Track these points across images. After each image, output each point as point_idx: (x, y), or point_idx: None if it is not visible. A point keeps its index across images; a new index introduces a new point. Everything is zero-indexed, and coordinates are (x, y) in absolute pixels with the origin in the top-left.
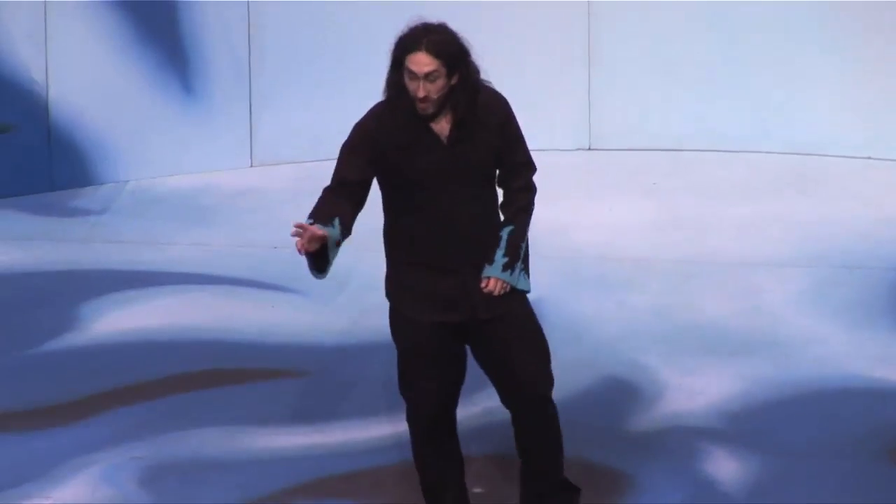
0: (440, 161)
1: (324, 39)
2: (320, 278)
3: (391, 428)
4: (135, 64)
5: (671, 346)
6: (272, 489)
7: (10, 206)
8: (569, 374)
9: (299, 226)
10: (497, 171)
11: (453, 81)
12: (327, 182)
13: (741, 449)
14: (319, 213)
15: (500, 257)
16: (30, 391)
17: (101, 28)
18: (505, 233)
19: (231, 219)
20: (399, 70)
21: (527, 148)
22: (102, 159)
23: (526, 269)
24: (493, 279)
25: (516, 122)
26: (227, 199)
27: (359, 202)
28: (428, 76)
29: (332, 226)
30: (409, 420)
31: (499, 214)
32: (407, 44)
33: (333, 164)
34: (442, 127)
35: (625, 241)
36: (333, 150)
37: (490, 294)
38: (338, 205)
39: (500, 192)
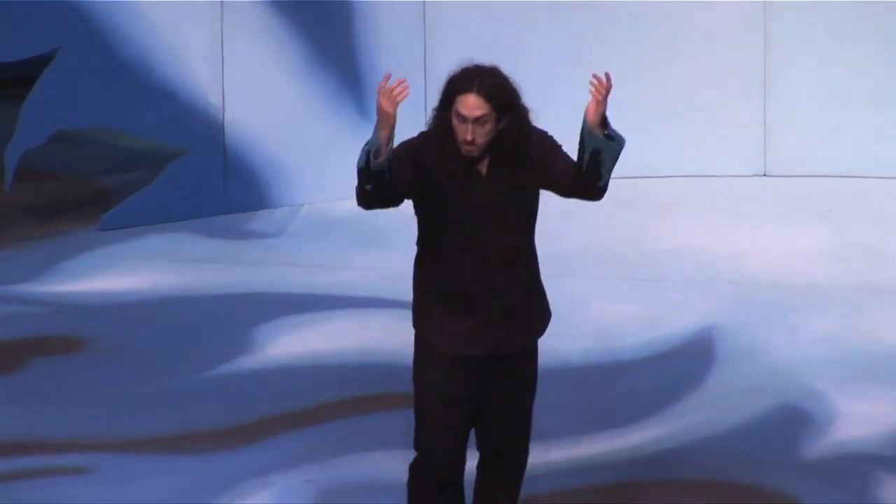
0: (476, 197)
1: (499, 62)
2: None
3: (562, 453)
4: (311, 87)
5: (844, 372)
6: None
7: (186, 228)
8: (741, 401)
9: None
10: (535, 215)
11: (501, 126)
12: None
13: None
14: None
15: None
16: (204, 414)
17: (277, 51)
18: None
19: (407, 241)
20: (447, 109)
21: None
22: (278, 182)
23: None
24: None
25: (558, 144)
26: (403, 222)
27: (399, 193)
28: (477, 120)
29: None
30: (418, 471)
31: (533, 257)
32: (458, 84)
33: None
34: (483, 165)
35: (800, 268)
36: None
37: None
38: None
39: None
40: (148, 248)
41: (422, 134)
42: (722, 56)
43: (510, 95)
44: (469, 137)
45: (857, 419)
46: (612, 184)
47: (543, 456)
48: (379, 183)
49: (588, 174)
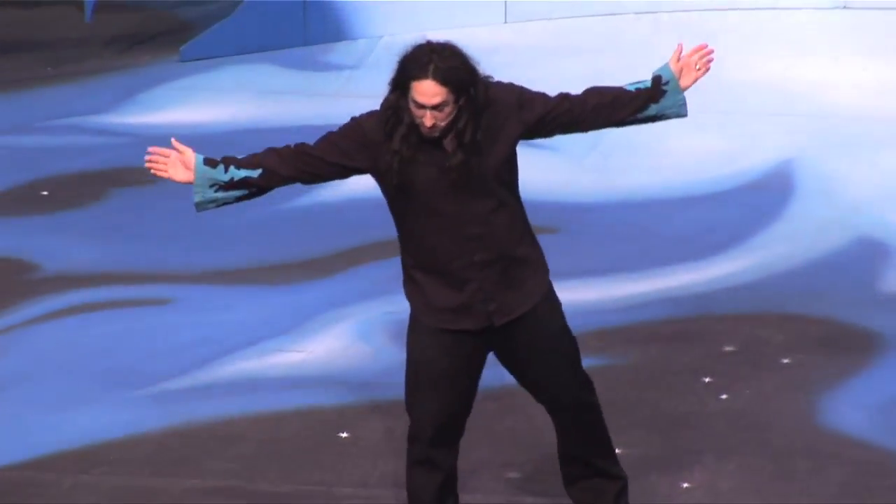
0: (446, 173)
1: None
2: (197, 210)
3: (642, 286)
4: None
5: None
6: None
7: (265, 59)
8: (820, 235)
9: (153, 150)
10: (516, 166)
11: (461, 103)
12: (581, 39)
13: None
14: (236, 159)
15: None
16: (283, 245)
17: None
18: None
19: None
20: (402, 92)
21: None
22: (356, 14)
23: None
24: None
25: (530, 90)
26: (481, 56)
27: (304, 174)
28: (436, 107)
29: (223, 169)
30: (409, 439)
31: (517, 217)
32: (411, 69)
33: (586, 21)
34: (448, 140)
35: (880, 101)
36: (588, 7)
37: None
38: (267, 158)
39: (584, 130)
40: (227, 79)
41: (371, 115)
42: None
43: (467, 75)
44: (429, 124)
45: None
46: (691, 16)
47: (622, 288)
48: (253, 184)
49: (618, 120)
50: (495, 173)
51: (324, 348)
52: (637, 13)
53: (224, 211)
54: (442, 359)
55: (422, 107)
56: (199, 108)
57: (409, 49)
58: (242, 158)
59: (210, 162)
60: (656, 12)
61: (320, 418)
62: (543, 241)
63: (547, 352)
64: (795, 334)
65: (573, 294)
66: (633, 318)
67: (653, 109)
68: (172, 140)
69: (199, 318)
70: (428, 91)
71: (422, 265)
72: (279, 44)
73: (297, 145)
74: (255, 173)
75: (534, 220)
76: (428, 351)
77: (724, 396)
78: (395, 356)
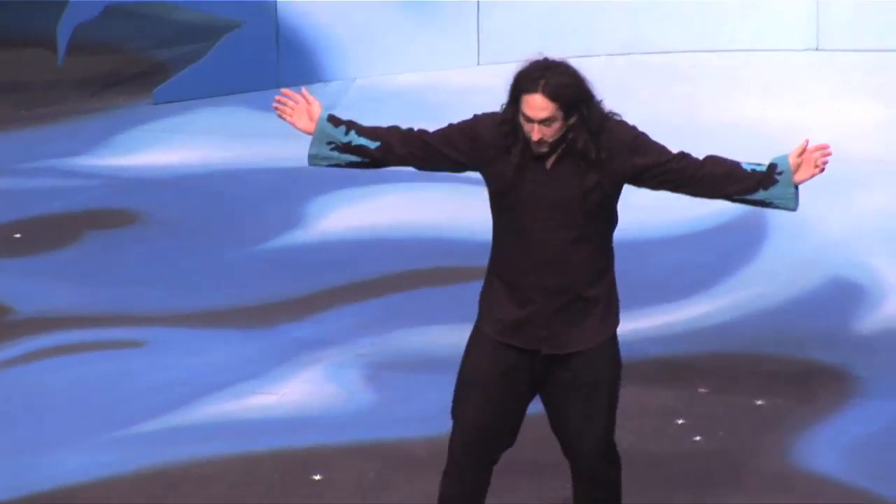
0: (538, 191)
1: None
2: (309, 162)
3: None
4: None
5: None
6: None
7: (239, 102)
8: (793, 275)
9: (284, 92)
10: (615, 211)
11: (571, 121)
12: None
13: None
14: (360, 125)
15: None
16: (257, 287)
17: None
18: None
19: (458, 117)
20: (515, 106)
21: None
22: (330, 56)
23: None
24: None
25: (650, 138)
26: (455, 98)
27: (416, 159)
28: (543, 121)
29: (344, 131)
30: (449, 447)
31: (602, 259)
32: (524, 83)
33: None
34: (551, 160)
35: (853, 142)
36: (559, 49)
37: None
38: (389, 134)
39: (691, 194)
40: (200, 121)
41: (491, 116)
42: None
43: (578, 93)
44: (535, 137)
45: None
46: (666, 57)
47: None
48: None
49: (725, 194)
50: (591, 203)
51: (297, 390)
52: (609, 55)
53: (198, 252)
54: (492, 369)
55: (530, 120)
56: (172, 151)
57: (525, 63)
58: (366, 127)
59: (333, 120)
60: (629, 54)
61: (294, 460)
62: None
63: (583, 398)
64: (769, 375)
65: None
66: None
67: (761, 195)
68: (303, 89)
69: (173, 360)
70: (536, 105)
71: (499, 273)
72: (252, 86)
73: (419, 130)
74: (373, 145)
75: None
76: (482, 357)
77: (697, 438)
78: (368, 398)
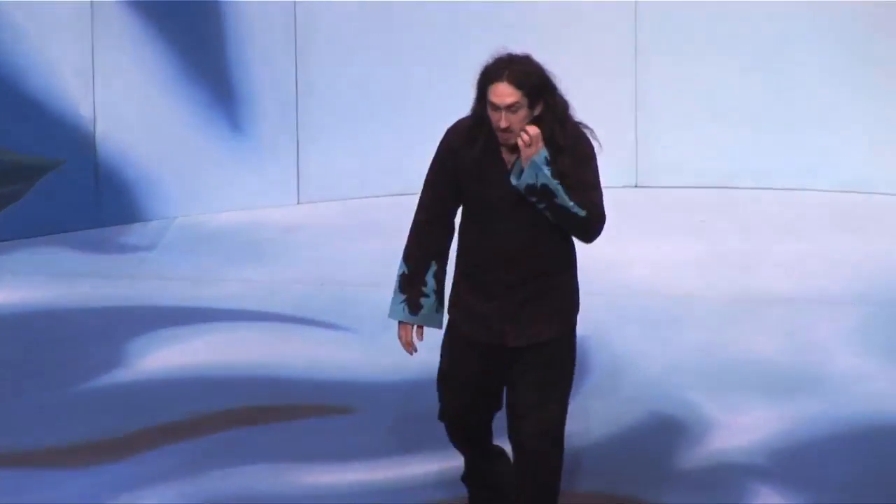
0: (501, 187)
1: (370, 76)
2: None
3: (439, 465)
4: (182, 100)
5: (718, 383)
6: None
7: (58, 242)
8: (614, 411)
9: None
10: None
11: (536, 112)
12: (374, 218)
13: (789, 488)
14: (412, 257)
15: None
16: (77, 428)
17: (148, 64)
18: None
19: (279, 256)
20: (482, 101)
21: (601, 193)
22: (150, 195)
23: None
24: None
25: (595, 165)
26: (275, 236)
27: (449, 226)
28: (510, 107)
29: (426, 293)
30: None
31: (563, 252)
32: (490, 74)
33: (379, 201)
34: (514, 156)
35: (672, 278)
36: (380, 187)
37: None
38: (431, 240)
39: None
40: (19, 261)
41: (460, 120)
42: (592, 70)
43: (541, 81)
44: (503, 125)
45: (730, 429)
46: None
47: (417, 468)
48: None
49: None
50: None
51: None
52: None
53: (16, 390)
54: (467, 363)
55: (497, 108)
56: None
57: (490, 59)
58: (411, 259)
59: (412, 305)
60: None
61: None
62: (336, 421)
63: (538, 380)
64: None
65: (365, 475)
66: (435, 497)
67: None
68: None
69: None
70: (502, 92)
71: (464, 269)
72: (72, 225)
73: (421, 216)
74: (405, 269)
75: (326, 399)
76: (457, 353)
77: None
78: None
